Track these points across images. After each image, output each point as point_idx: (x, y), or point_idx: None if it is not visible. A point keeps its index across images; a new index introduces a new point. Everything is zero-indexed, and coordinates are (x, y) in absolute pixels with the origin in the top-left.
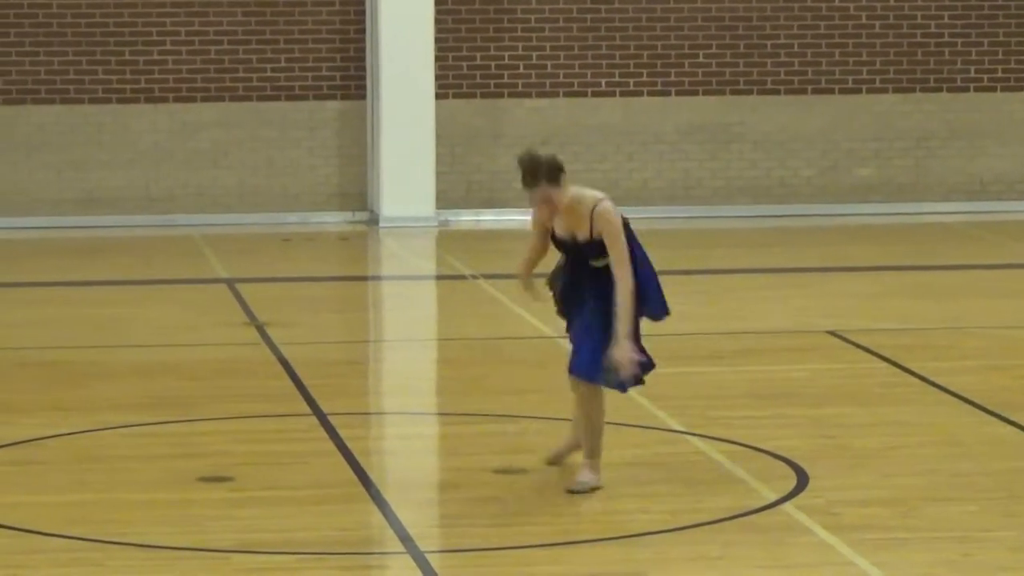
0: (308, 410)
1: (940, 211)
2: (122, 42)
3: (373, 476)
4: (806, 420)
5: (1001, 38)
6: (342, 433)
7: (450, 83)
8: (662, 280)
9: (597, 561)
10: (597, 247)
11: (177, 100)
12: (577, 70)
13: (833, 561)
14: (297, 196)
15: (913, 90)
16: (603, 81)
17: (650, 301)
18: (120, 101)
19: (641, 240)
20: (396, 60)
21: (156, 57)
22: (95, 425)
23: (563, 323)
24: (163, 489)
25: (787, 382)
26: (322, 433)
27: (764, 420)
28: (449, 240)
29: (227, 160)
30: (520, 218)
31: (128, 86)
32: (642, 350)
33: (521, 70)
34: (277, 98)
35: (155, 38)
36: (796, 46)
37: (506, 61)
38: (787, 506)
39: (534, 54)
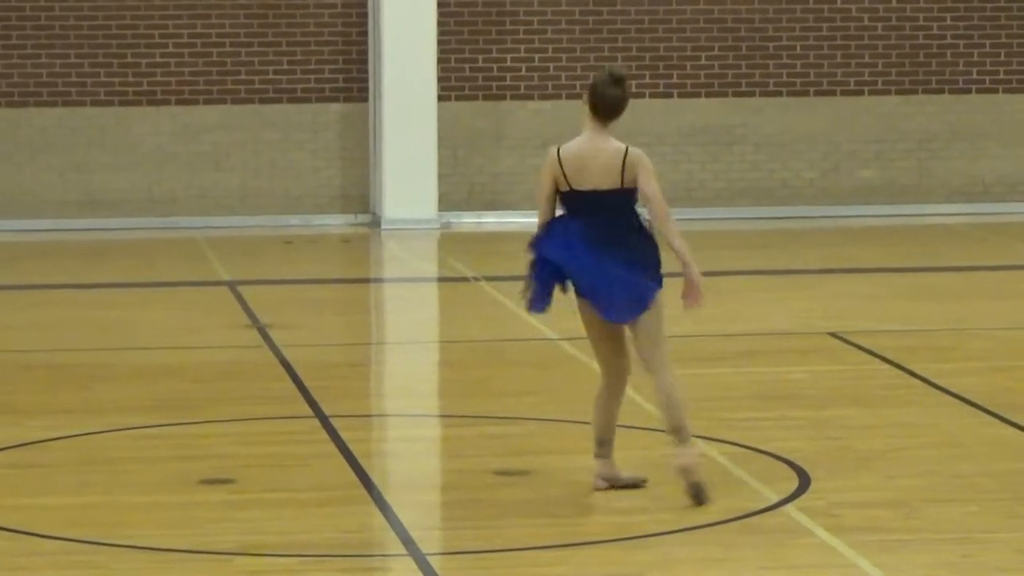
0: (310, 412)
1: (942, 212)
2: (124, 45)
3: (375, 478)
4: (808, 422)
5: (1003, 40)
6: (344, 435)
7: (452, 85)
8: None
9: (599, 563)
10: (625, 196)
11: (179, 103)
12: (579, 72)
13: (835, 563)
14: (299, 198)
15: (915, 92)
16: None
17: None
18: (122, 104)
19: None
20: (398, 62)
21: (158, 60)
22: (98, 427)
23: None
24: (165, 491)
25: (789, 384)
26: (324, 435)
27: (766, 422)
28: (451, 242)
29: (229, 162)
30: (522, 220)
31: (130, 89)
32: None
33: (523, 72)
34: (279, 100)
35: (157, 41)
36: (798, 48)
37: (508, 63)
38: (789, 508)
39: (536, 56)
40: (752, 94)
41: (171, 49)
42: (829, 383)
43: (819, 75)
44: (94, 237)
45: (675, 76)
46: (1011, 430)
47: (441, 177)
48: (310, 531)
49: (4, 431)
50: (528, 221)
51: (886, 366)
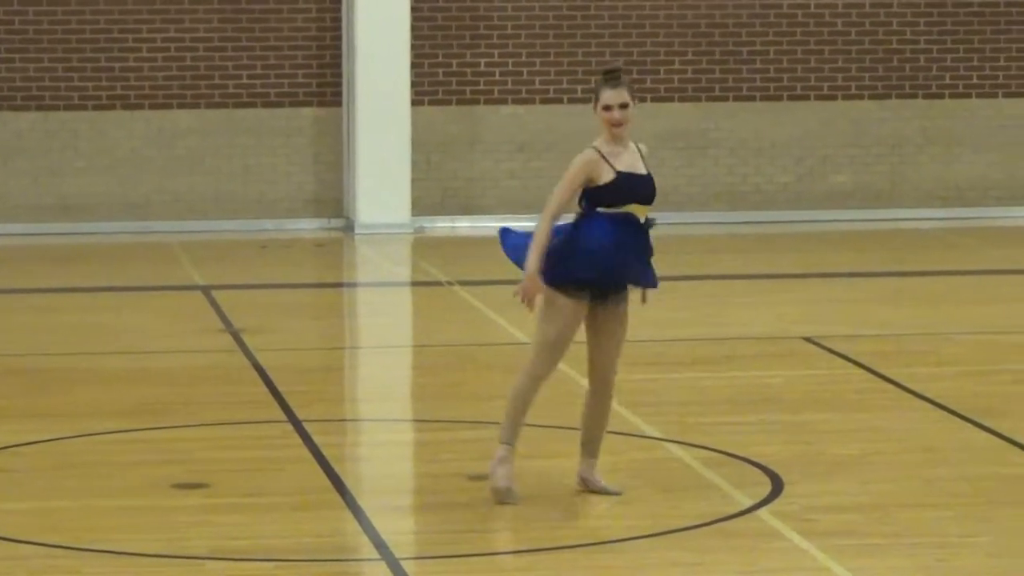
0: (283, 417)
1: (916, 217)
2: (98, 49)
3: (348, 483)
4: (782, 426)
5: (976, 45)
6: (317, 440)
7: (426, 90)
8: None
9: (572, 567)
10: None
11: (153, 107)
12: (553, 77)
13: (807, 567)
14: (273, 203)
15: (889, 96)
16: (579, 88)
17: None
18: (96, 108)
19: None
20: (372, 67)
21: (132, 64)
22: (70, 432)
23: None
24: (138, 496)
25: (764, 388)
26: (297, 440)
27: (740, 426)
28: (424, 247)
29: (203, 167)
30: (495, 225)
31: (104, 93)
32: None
33: (497, 77)
34: (253, 105)
35: (131, 45)
36: (772, 53)
37: (482, 68)
38: (762, 512)
39: (510, 61)
40: (726, 99)
41: (145, 53)
42: (803, 388)
43: (793, 80)
44: (68, 241)
45: (649, 81)
46: (984, 435)
47: (415, 181)
48: (284, 535)
49: None
50: (501, 225)
51: (860, 371)
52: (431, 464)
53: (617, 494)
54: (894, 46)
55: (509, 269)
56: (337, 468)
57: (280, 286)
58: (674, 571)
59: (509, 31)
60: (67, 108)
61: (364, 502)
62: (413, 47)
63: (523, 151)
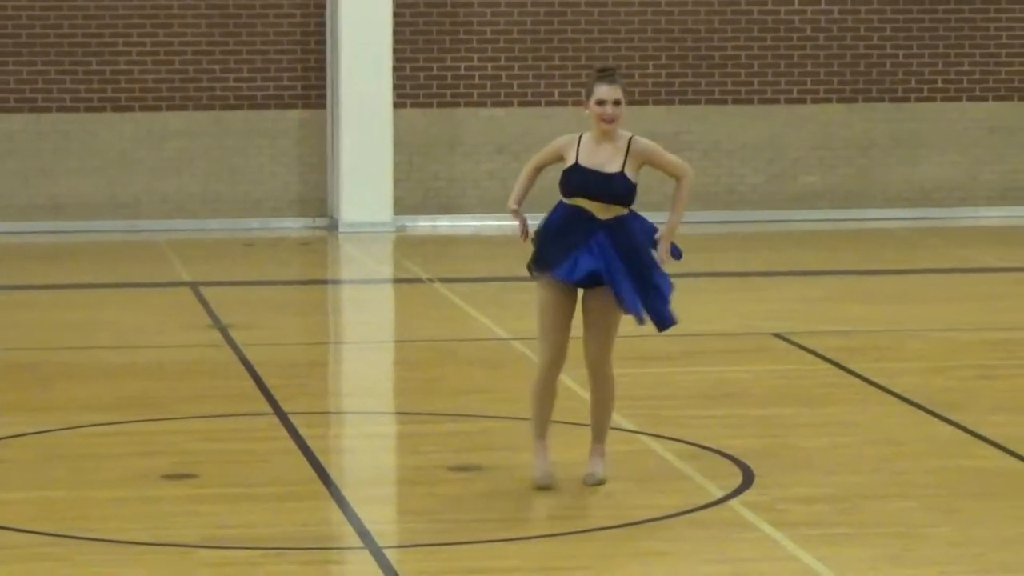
0: (270, 410)
1: (883, 217)
2: (89, 52)
3: (333, 474)
4: (752, 420)
5: (941, 50)
6: (303, 432)
7: (408, 93)
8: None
9: (546, 556)
10: (627, 184)
11: (143, 109)
12: (531, 80)
13: (777, 556)
14: (259, 202)
15: (856, 100)
16: (556, 91)
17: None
18: (87, 110)
19: None
20: (355, 71)
21: (122, 67)
22: (61, 424)
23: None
24: (128, 486)
25: (734, 383)
26: (283, 432)
27: (711, 420)
28: (406, 245)
29: (191, 167)
30: (475, 224)
31: (95, 95)
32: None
33: (476, 80)
34: (240, 107)
35: (121, 49)
36: (743, 57)
37: (462, 72)
38: (733, 503)
39: (489, 65)
40: (698, 102)
41: (135, 57)
42: (773, 382)
43: (763, 84)
44: (59, 240)
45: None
46: (948, 428)
47: (397, 182)
48: (270, 525)
49: None
50: (480, 224)
51: (828, 366)
52: (413, 456)
53: (597, 484)
54: (862, 51)
55: (488, 267)
56: (322, 459)
57: (266, 283)
58: (646, 560)
59: (488, 36)
60: (59, 110)
61: (348, 492)
62: (395, 51)
63: (502, 152)
